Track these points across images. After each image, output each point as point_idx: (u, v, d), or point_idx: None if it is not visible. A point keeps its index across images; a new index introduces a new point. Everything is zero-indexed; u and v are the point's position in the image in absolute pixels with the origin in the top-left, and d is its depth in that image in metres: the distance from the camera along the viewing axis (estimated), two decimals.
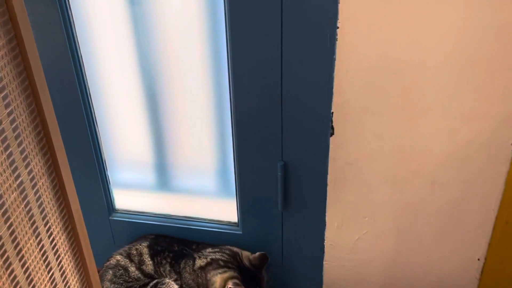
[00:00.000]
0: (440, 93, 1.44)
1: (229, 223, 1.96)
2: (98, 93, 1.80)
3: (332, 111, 1.53)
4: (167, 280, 1.85)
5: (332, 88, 1.49)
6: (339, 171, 1.66)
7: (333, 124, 1.56)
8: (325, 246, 1.87)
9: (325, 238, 1.85)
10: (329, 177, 1.68)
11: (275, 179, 1.75)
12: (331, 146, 1.61)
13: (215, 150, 1.84)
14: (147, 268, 1.87)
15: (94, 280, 0.97)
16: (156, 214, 2.03)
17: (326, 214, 1.79)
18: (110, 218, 2.04)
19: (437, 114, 1.47)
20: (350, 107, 1.52)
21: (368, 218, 1.75)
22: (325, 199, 1.74)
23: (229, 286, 1.73)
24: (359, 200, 1.71)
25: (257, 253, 1.84)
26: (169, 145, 1.87)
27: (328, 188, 1.71)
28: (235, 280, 1.75)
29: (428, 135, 1.52)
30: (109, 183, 1.99)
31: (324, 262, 1.92)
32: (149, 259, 1.88)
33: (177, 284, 1.85)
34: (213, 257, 1.86)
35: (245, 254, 1.87)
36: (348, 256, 1.87)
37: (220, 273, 1.79)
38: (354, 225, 1.79)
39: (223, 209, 1.93)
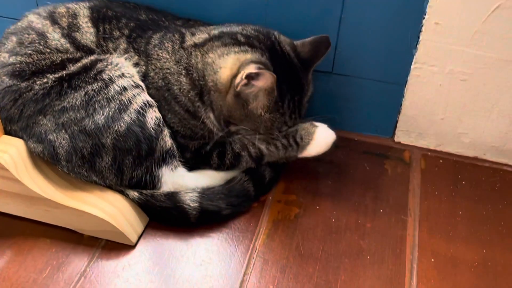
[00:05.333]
0: None
1: None
2: None
3: None
4: (117, 59, 0.96)
5: None
6: None
7: None
8: (423, 26, 0.98)
9: (428, 8, 0.96)
10: None
11: None
12: None
13: None
14: (83, 37, 0.99)
15: None
16: None
17: None
18: None
19: None
20: None
21: None
22: None
23: (249, 71, 0.87)
24: None
25: (312, 37, 0.98)
26: None
27: None
28: (261, 66, 0.89)
29: None
30: None
31: (412, 66, 1.03)
32: (89, 26, 1.00)
33: (135, 67, 0.97)
34: (225, 30, 0.98)
35: (286, 39, 0.98)
36: (466, 53, 0.98)
37: (236, 52, 0.92)
38: None
39: None
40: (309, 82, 0.99)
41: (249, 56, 0.92)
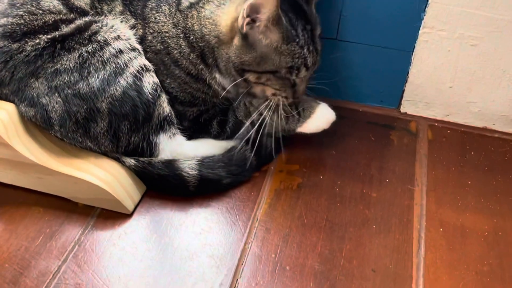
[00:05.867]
0: None
1: None
2: None
3: None
4: (112, 21, 0.92)
5: None
6: None
7: None
8: None
9: None
10: None
11: None
12: None
13: None
14: (77, 0, 0.94)
15: None
16: None
17: None
18: None
19: None
20: None
21: None
22: None
23: (248, 4, 0.83)
24: None
25: None
26: None
27: None
28: None
29: None
30: None
31: (420, 30, 0.99)
32: None
33: (132, 29, 0.93)
34: None
35: None
36: (477, 16, 0.93)
37: (233, 1, 0.89)
38: None
39: None
40: (315, 16, 0.93)
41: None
